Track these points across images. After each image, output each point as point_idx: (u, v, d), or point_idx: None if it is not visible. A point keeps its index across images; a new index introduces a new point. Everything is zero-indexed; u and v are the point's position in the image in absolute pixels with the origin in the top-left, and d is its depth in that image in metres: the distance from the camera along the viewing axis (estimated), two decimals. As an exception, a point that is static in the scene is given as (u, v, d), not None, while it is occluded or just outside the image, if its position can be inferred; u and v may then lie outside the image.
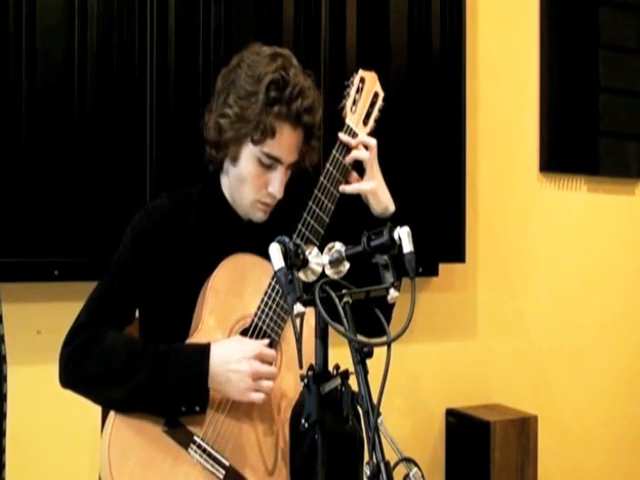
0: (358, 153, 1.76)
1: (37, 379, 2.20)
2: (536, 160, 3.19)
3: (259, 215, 1.72)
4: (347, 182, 1.77)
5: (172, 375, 1.57)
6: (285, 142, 1.66)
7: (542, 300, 3.21)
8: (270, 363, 1.60)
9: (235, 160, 1.68)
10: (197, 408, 1.58)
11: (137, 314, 1.74)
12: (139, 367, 1.57)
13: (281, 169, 1.68)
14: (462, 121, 2.88)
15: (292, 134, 1.67)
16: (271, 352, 1.61)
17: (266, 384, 1.57)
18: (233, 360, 1.56)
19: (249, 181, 1.68)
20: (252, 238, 1.69)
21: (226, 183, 1.75)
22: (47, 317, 2.27)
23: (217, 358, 1.57)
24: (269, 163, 1.66)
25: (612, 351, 3.37)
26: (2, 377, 1.48)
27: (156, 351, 1.59)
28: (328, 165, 1.72)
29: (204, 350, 1.58)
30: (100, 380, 1.59)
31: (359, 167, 1.79)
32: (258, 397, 1.57)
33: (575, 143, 3.22)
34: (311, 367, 1.31)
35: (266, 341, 1.63)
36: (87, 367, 1.59)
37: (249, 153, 1.66)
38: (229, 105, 1.65)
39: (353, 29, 2.66)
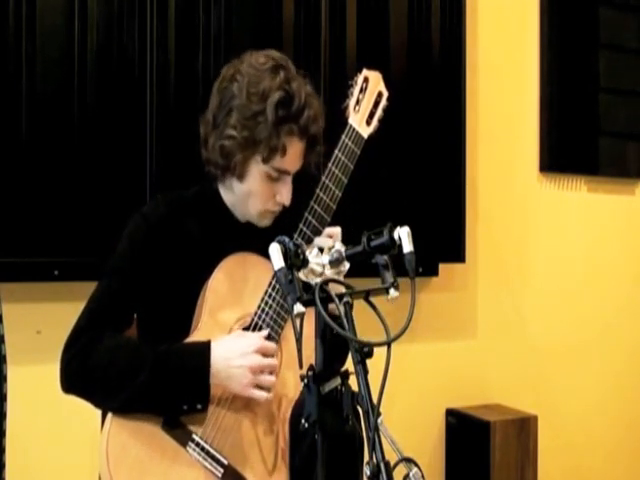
0: (321, 241, 1.69)
1: (37, 379, 2.20)
2: (536, 160, 3.19)
3: (265, 222, 1.73)
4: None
5: (173, 373, 1.57)
6: (293, 155, 1.66)
7: (542, 300, 3.21)
8: (272, 356, 1.60)
9: (241, 177, 1.66)
10: (199, 406, 1.58)
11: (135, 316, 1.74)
12: (140, 368, 1.57)
13: (289, 179, 1.68)
14: (462, 121, 2.88)
15: (299, 145, 1.67)
16: (271, 345, 1.61)
17: (268, 378, 1.57)
18: (234, 356, 1.56)
19: (257, 195, 1.67)
20: (251, 239, 1.69)
21: (225, 191, 1.74)
22: (47, 317, 2.27)
23: (218, 354, 1.57)
24: (277, 176, 1.66)
25: (612, 351, 3.37)
26: (2, 377, 1.48)
27: (156, 351, 1.59)
28: (330, 165, 1.72)
29: (204, 347, 1.58)
30: (101, 384, 1.59)
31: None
32: (261, 394, 1.57)
33: (575, 143, 3.22)
34: (311, 367, 1.31)
35: (265, 332, 1.63)
36: (87, 372, 1.59)
37: (257, 170, 1.65)
38: (233, 126, 1.62)
39: (353, 29, 2.66)
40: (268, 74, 1.63)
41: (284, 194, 1.68)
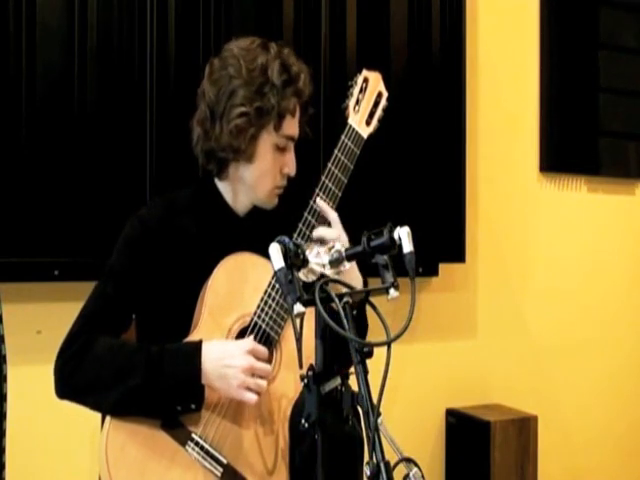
0: (323, 231, 1.70)
1: (37, 379, 2.19)
2: (536, 160, 3.19)
3: (275, 201, 1.76)
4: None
5: (165, 375, 1.56)
6: (296, 118, 1.72)
7: (542, 300, 3.21)
8: (264, 361, 1.59)
9: (251, 158, 1.69)
10: (193, 406, 1.58)
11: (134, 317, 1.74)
12: (132, 370, 1.57)
13: (292, 147, 1.73)
14: (462, 121, 2.87)
15: (298, 109, 1.72)
16: (263, 348, 1.60)
17: (259, 382, 1.56)
18: (227, 356, 1.56)
19: (268, 171, 1.71)
20: (250, 236, 1.70)
21: (225, 184, 1.75)
22: (47, 317, 2.27)
23: (210, 355, 1.57)
24: (284, 145, 1.70)
25: (612, 351, 3.37)
26: (2, 377, 1.48)
27: (148, 353, 1.59)
28: (330, 165, 1.72)
29: (196, 347, 1.58)
30: (94, 387, 1.58)
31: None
32: (250, 397, 1.55)
33: (575, 143, 3.22)
34: (311, 367, 1.31)
35: (252, 337, 1.62)
36: (81, 375, 1.59)
37: (269, 142, 1.69)
38: (241, 104, 1.65)
39: (353, 29, 2.66)
40: (260, 50, 1.69)
41: (290, 164, 1.72)
